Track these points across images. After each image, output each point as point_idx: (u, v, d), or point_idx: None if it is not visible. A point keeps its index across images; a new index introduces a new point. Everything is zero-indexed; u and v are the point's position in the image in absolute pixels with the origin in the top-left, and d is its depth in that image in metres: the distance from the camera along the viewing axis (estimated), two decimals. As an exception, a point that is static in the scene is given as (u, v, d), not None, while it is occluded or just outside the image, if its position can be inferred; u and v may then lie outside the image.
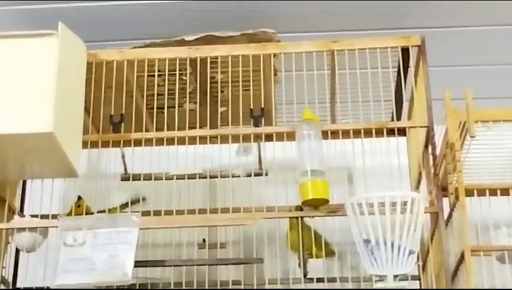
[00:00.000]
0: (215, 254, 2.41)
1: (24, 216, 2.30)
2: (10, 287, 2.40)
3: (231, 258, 2.34)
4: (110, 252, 2.04)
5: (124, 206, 2.39)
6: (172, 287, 2.25)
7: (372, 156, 2.25)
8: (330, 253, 2.32)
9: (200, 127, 2.32)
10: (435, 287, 2.16)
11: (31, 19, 2.42)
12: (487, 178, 2.19)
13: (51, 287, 2.05)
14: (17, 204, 2.51)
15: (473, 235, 2.13)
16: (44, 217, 2.22)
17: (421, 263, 2.25)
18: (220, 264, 2.24)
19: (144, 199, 2.31)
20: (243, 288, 2.26)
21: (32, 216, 2.25)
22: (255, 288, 2.21)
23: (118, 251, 2.04)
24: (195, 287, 2.22)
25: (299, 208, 2.17)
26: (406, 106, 2.41)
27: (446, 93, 2.06)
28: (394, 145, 2.31)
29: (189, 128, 2.31)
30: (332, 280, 2.21)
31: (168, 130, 2.30)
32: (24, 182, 2.56)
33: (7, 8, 2.41)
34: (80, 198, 2.42)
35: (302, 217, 2.19)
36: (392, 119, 2.41)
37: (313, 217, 2.19)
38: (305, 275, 2.30)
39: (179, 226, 2.19)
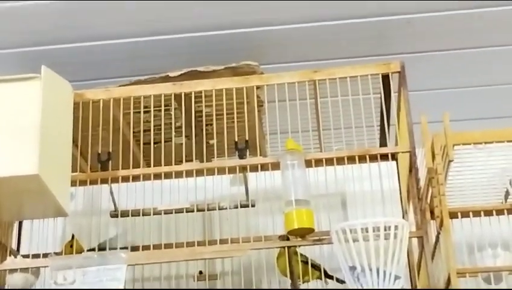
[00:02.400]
0: (211, 285, 2.44)
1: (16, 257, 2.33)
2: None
3: (219, 289, 2.36)
4: (99, 290, 2.07)
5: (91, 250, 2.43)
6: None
7: (365, 182, 2.27)
8: (317, 276, 2.35)
9: (188, 161, 2.36)
10: (423, 312, 2.18)
11: (17, 62, 2.47)
12: (471, 200, 2.20)
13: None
14: (14, 244, 2.56)
15: (461, 257, 2.14)
16: (36, 256, 2.25)
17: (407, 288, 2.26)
18: (210, 297, 2.27)
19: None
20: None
21: (24, 256, 2.28)
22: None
23: (107, 288, 2.07)
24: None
25: (285, 238, 2.19)
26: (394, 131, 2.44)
27: (422, 118, 2.08)
28: (385, 170, 2.34)
29: (177, 162, 2.34)
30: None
31: (158, 164, 2.34)
32: (20, 222, 2.60)
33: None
34: (73, 237, 2.45)
35: (289, 247, 2.21)
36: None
37: (299, 246, 2.21)
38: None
39: (168, 261, 2.21)
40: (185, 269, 2.45)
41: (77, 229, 2.43)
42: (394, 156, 2.44)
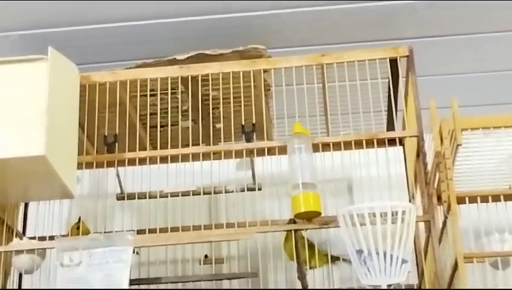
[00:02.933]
0: (217, 269, 2.43)
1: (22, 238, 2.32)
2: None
3: (226, 273, 2.35)
4: (105, 271, 2.06)
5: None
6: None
7: (372, 167, 2.26)
8: (324, 262, 2.34)
9: (195, 144, 2.35)
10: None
11: (24, 45, 2.46)
12: (478, 185, 2.19)
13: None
14: (20, 226, 2.56)
15: (468, 242, 2.14)
16: (42, 238, 2.25)
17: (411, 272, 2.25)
18: (215, 280, 2.26)
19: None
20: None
21: (30, 238, 2.28)
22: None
23: (113, 270, 2.06)
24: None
25: (292, 221, 2.19)
26: (402, 116, 2.44)
27: (431, 103, 2.07)
28: (392, 155, 2.33)
29: (184, 145, 2.33)
30: (326, 291, 2.23)
31: (165, 148, 2.33)
32: (26, 204, 2.60)
33: (-1, 34, 2.46)
34: (79, 220, 2.45)
35: (295, 230, 2.21)
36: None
37: (306, 229, 2.21)
38: (305, 288, 2.32)
39: (174, 243, 2.21)
40: (191, 252, 2.44)
41: (83, 211, 2.43)
42: (401, 141, 2.44)
